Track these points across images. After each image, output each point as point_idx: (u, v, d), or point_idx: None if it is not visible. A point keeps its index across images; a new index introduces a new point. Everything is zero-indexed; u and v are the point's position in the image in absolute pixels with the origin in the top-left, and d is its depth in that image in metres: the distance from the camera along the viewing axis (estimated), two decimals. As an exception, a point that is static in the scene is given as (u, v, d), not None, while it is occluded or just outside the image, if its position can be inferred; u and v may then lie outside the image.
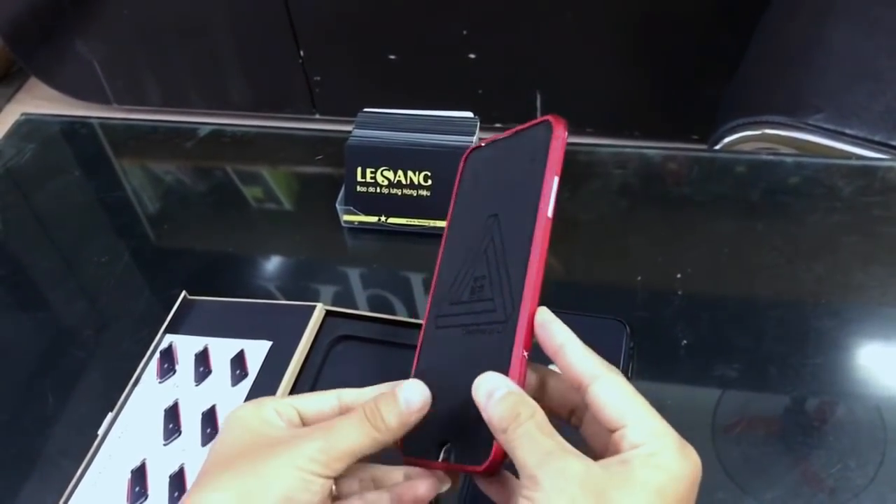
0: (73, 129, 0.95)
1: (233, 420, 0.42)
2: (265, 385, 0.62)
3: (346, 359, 0.64)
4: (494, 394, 0.38)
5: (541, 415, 0.37)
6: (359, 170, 0.75)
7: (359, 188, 0.75)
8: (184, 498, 0.39)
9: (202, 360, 0.65)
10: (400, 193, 0.74)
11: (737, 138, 1.06)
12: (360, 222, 0.76)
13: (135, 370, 0.65)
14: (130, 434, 0.61)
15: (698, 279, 0.68)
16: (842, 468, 0.54)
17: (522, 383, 0.39)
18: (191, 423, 0.61)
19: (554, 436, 0.36)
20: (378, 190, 0.75)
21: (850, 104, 1.02)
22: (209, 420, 0.61)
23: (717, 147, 1.08)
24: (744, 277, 0.68)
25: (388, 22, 1.87)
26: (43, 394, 0.68)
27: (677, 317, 0.65)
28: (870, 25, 1.12)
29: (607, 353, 0.59)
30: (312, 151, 0.87)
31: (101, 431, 0.62)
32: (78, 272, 0.79)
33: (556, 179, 0.42)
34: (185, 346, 0.66)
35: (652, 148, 0.81)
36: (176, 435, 0.61)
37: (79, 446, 0.61)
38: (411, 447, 0.43)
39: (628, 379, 0.58)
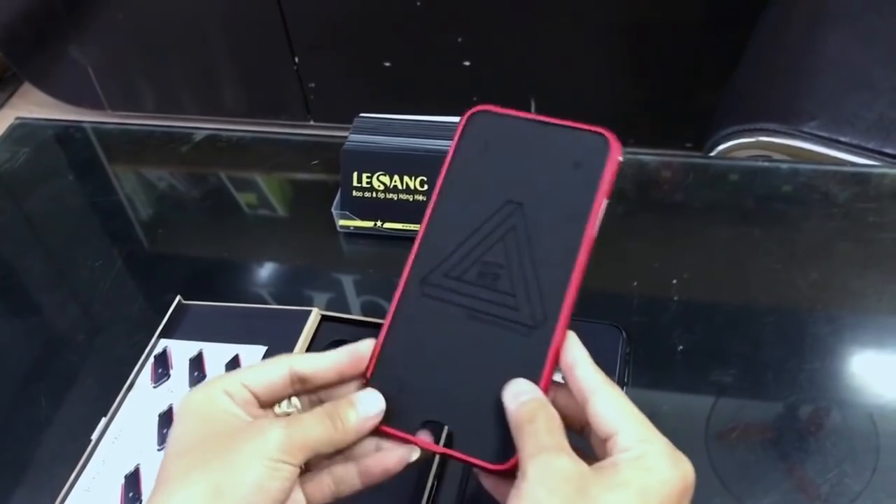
0: (67, 134, 0.95)
1: (186, 411, 0.40)
2: (260, 390, 0.61)
3: (342, 364, 0.64)
4: (521, 396, 0.39)
5: (556, 419, 0.38)
6: (355, 174, 0.75)
7: (355, 193, 0.75)
8: (150, 498, 0.38)
9: (197, 364, 0.65)
10: (396, 198, 0.74)
11: (732, 145, 1.07)
12: (356, 227, 0.76)
13: (129, 375, 0.65)
14: (124, 439, 0.61)
15: (694, 285, 0.68)
16: (837, 474, 0.54)
17: (547, 393, 0.40)
18: (185, 429, 0.61)
19: (555, 435, 0.37)
20: (374, 195, 0.75)
21: (844, 112, 1.02)
22: (203, 425, 0.60)
23: (712, 154, 1.09)
24: (739, 283, 0.68)
25: (382, 29, 1.87)
26: (36, 399, 0.67)
27: (673, 322, 0.65)
28: (863, 34, 1.12)
29: (603, 358, 0.59)
30: (307, 157, 0.87)
31: (94, 436, 0.61)
32: (72, 277, 0.78)
33: (606, 202, 0.42)
34: (180, 350, 0.66)
35: (647, 155, 0.81)
36: (170, 440, 0.60)
37: (72, 451, 0.61)
38: (389, 418, 0.42)
39: (624, 384, 0.59)
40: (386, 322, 0.43)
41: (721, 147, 1.07)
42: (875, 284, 0.66)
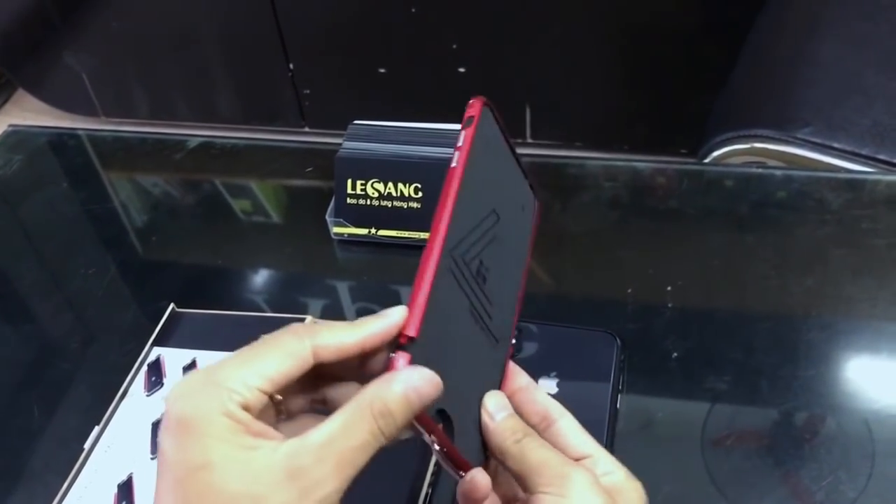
0: (61, 141, 0.95)
1: (190, 433, 0.32)
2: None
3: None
4: (499, 413, 0.40)
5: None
6: (349, 182, 0.74)
7: (349, 200, 0.75)
8: None
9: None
10: (390, 205, 0.74)
11: (726, 152, 1.07)
12: (351, 234, 0.76)
13: (122, 383, 0.64)
14: (117, 448, 0.61)
15: (688, 292, 0.68)
16: (832, 481, 0.54)
17: None
18: (178, 437, 0.60)
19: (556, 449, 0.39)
20: (368, 202, 0.74)
21: (838, 118, 1.02)
22: (197, 433, 0.60)
23: (707, 160, 1.09)
24: (734, 290, 0.68)
25: (377, 35, 1.87)
26: (28, 407, 0.67)
27: (668, 329, 0.65)
28: (857, 40, 1.13)
29: (597, 365, 0.60)
30: (302, 164, 0.87)
31: (87, 445, 0.61)
32: (65, 284, 0.78)
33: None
34: (173, 358, 0.66)
35: (641, 161, 0.81)
36: (163, 449, 0.60)
37: (65, 460, 0.60)
38: None
39: (619, 391, 0.58)
40: (426, 283, 0.37)
41: (715, 153, 1.07)
42: (869, 290, 0.66)
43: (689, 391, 0.62)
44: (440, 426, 0.36)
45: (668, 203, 0.77)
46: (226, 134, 0.94)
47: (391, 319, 0.37)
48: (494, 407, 0.40)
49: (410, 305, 0.37)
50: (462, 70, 1.85)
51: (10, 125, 0.97)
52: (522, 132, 1.88)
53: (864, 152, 0.99)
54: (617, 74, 1.81)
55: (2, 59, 2.18)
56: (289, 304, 0.72)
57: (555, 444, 0.40)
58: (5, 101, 2.39)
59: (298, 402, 0.38)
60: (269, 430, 0.34)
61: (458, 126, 0.79)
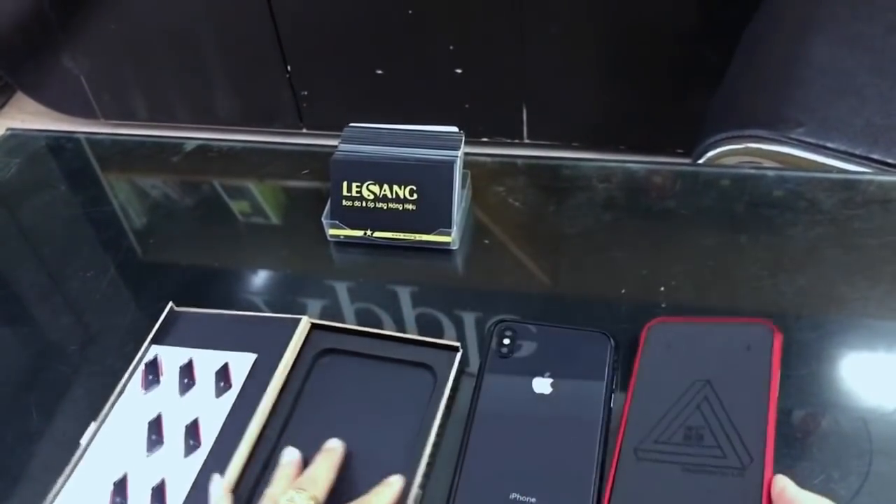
0: (59, 144, 0.95)
1: None
2: (249, 397, 0.62)
3: (331, 372, 0.64)
4: None
5: None
6: (344, 184, 0.75)
7: (344, 202, 0.75)
8: None
9: (187, 372, 0.65)
10: (385, 207, 0.74)
11: (720, 152, 1.07)
12: (346, 236, 0.76)
13: (119, 383, 0.65)
14: (113, 445, 0.61)
15: (682, 292, 0.68)
16: (825, 479, 0.54)
17: None
18: (173, 436, 0.61)
19: None
20: (364, 204, 0.75)
21: (832, 119, 1.03)
22: (192, 432, 0.61)
23: (701, 161, 1.09)
24: (727, 290, 0.68)
25: (374, 37, 1.88)
26: (27, 409, 0.67)
27: (661, 329, 0.65)
28: (851, 41, 1.13)
29: (592, 365, 0.60)
30: (299, 166, 0.87)
31: (83, 441, 0.61)
32: (63, 287, 0.78)
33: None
34: (171, 357, 0.66)
35: (636, 162, 0.81)
36: (158, 447, 0.60)
37: (62, 462, 0.61)
38: None
39: (613, 391, 0.59)
40: (610, 478, 0.53)
41: (710, 154, 1.08)
42: (862, 290, 0.66)
43: (682, 390, 0.62)
44: None
45: (662, 203, 0.77)
46: (223, 136, 0.95)
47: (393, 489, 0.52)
48: None
49: None
50: (459, 71, 1.86)
51: (8, 128, 0.97)
52: (519, 133, 1.89)
53: (857, 152, 0.99)
54: (612, 75, 1.82)
55: (1, 62, 2.18)
56: (286, 305, 0.73)
57: None
58: (4, 104, 2.39)
59: None
60: None
61: (453, 128, 0.80)
